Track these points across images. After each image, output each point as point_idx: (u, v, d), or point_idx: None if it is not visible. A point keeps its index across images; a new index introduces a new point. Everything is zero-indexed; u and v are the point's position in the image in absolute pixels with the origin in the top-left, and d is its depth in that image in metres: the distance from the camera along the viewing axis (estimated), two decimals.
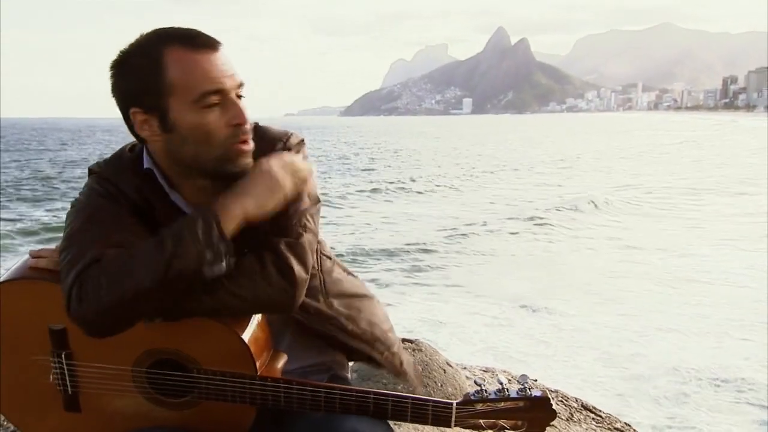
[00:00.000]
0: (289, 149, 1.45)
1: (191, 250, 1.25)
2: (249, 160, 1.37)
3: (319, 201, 1.47)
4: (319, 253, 1.51)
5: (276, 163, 1.37)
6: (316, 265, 1.50)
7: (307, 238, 1.39)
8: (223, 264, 1.29)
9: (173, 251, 1.25)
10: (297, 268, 1.35)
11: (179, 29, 1.34)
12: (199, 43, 1.32)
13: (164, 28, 1.35)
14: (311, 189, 1.44)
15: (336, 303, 1.52)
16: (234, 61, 1.37)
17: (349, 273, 1.64)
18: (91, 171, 1.47)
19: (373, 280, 10.83)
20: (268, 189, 1.34)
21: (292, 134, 1.48)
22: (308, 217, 1.42)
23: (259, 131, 1.46)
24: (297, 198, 1.39)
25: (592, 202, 18.42)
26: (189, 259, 1.25)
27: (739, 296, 9.05)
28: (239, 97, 1.36)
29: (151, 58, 1.31)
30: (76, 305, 1.27)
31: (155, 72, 1.31)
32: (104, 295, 1.25)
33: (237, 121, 1.33)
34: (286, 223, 1.38)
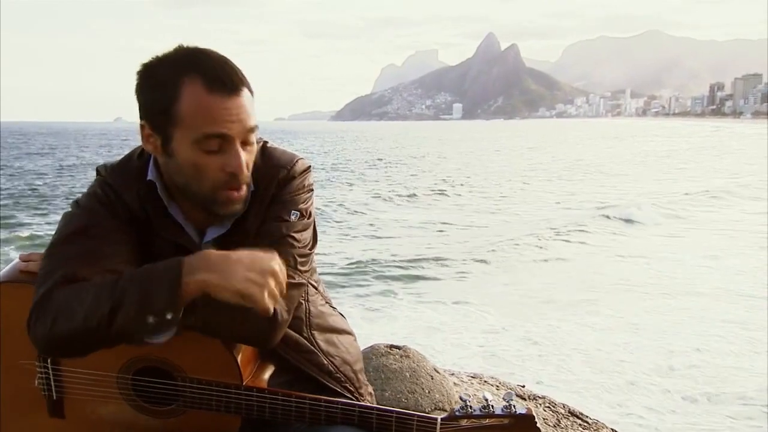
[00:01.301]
0: (293, 177, 1.43)
1: (131, 308, 1.18)
2: (238, 206, 1.35)
3: (315, 244, 1.47)
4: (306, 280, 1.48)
5: (260, 265, 1.20)
6: (303, 295, 1.49)
7: (298, 281, 1.39)
8: (171, 332, 1.24)
9: (114, 305, 1.19)
10: (280, 310, 1.32)
11: (208, 60, 1.30)
12: (218, 85, 1.27)
13: (196, 54, 1.30)
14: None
15: (317, 336, 1.52)
16: (252, 105, 1.32)
17: (331, 305, 1.63)
18: (98, 172, 1.45)
19: (370, 288, 10.82)
20: (239, 294, 1.19)
21: (297, 162, 1.45)
22: (303, 260, 1.41)
23: (265, 153, 1.44)
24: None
25: (600, 211, 18.42)
26: (128, 317, 1.19)
27: (737, 304, 8.99)
28: (248, 143, 1.33)
29: (169, 83, 1.29)
30: (33, 323, 1.26)
31: (169, 99, 1.28)
32: (53, 324, 1.24)
33: (231, 170, 1.31)
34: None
